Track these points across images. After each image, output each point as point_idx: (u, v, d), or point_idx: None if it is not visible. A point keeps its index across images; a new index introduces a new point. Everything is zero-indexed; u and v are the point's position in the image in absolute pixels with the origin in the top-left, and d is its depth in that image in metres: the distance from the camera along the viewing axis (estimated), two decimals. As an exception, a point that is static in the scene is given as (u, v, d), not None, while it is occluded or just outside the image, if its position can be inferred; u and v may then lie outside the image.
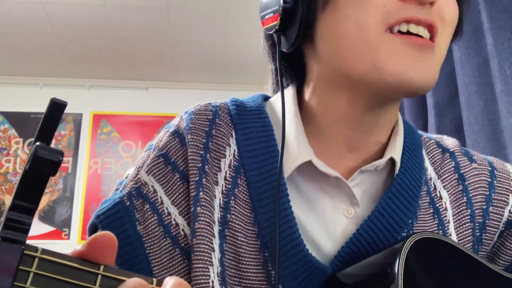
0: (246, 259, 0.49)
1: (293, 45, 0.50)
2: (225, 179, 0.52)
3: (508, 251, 0.57)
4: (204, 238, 0.49)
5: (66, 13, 2.72)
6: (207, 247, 0.48)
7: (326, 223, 0.52)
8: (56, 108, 0.29)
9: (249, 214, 0.51)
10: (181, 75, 3.60)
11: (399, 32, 0.45)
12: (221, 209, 0.51)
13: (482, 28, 1.12)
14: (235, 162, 0.53)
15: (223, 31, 2.93)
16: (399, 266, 0.41)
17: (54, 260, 0.28)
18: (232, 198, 0.51)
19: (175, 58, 3.32)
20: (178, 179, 0.52)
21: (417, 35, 0.45)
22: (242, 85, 3.73)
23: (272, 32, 0.51)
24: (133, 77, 3.59)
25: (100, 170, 3.48)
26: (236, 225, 0.50)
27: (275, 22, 0.50)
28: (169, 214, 0.51)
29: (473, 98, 1.17)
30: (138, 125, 3.60)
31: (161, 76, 3.62)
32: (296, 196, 0.52)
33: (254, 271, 0.49)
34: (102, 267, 0.29)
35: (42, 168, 0.27)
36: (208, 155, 0.53)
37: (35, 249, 0.27)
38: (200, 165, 0.52)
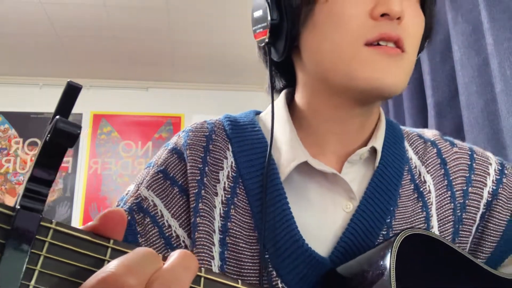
0: (248, 264, 0.52)
1: (282, 56, 0.55)
2: (224, 189, 0.55)
3: (492, 231, 0.59)
4: (203, 247, 0.52)
5: (66, 13, 2.72)
6: (206, 255, 0.51)
7: (326, 220, 0.55)
8: (72, 90, 0.32)
9: (248, 221, 0.54)
10: (181, 75, 3.60)
11: (371, 45, 0.50)
12: (221, 218, 0.54)
13: (482, 28, 1.12)
14: (233, 173, 0.56)
15: (223, 31, 2.93)
16: (391, 260, 0.43)
17: (67, 232, 0.29)
18: (232, 207, 0.54)
19: (175, 58, 3.32)
20: (177, 193, 0.56)
21: (386, 46, 0.50)
22: (242, 85, 3.73)
23: (263, 44, 0.57)
24: (133, 77, 3.59)
25: (100, 170, 3.48)
26: (237, 232, 0.53)
27: (265, 36, 0.55)
28: (169, 226, 0.54)
29: (473, 98, 1.17)
30: (138, 125, 3.60)
31: (161, 76, 3.61)
32: (295, 197, 0.55)
33: (255, 274, 0.52)
34: (111, 241, 0.30)
35: (61, 140, 0.28)
36: (206, 168, 0.56)
37: (50, 221, 0.29)
38: (199, 178, 0.55)
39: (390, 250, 0.44)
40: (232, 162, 0.57)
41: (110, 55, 3.23)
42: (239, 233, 0.53)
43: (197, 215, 0.53)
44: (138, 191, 0.57)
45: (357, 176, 0.58)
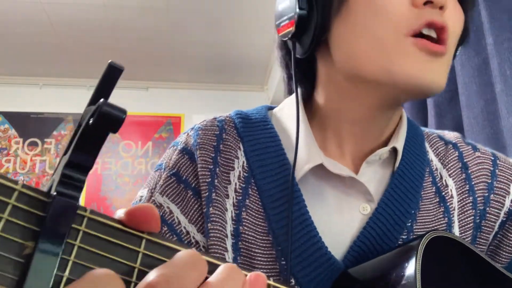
0: (262, 270, 0.49)
1: (308, 51, 0.51)
2: (235, 191, 0.53)
3: (510, 242, 0.57)
4: (216, 254, 0.49)
5: (66, 13, 2.72)
6: None
7: (343, 221, 0.52)
8: (113, 71, 0.30)
9: (262, 224, 0.51)
10: (181, 75, 3.60)
11: (414, 36, 0.46)
12: (233, 222, 0.51)
13: (482, 28, 1.12)
14: (244, 173, 0.53)
15: (223, 31, 2.93)
16: (416, 265, 0.41)
17: (101, 220, 0.27)
18: (244, 209, 0.52)
19: (175, 58, 3.32)
20: (192, 196, 0.53)
21: (428, 36, 0.46)
22: (243, 85, 3.73)
23: (287, 38, 0.52)
24: (133, 77, 3.59)
25: (100, 170, 3.48)
26: (249, 237, 0.50)
27: (290, 29, 0.51)
28: (187, 233, 0.52)
29: (473, 98, 1.17)
30: (138, 125, 3.60)
31: (161, 76, 3.61)
32: (310, 199, 0.52)
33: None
34: (146, 232, 0.28)
35: (105, 125, 0.26)
36: (217, 169, 0.53)
37: (84, 209, 0.27)
38: (210, 180, 0.52)
39: (415, 252, 0.42)
40: (243, 162, 0.54)
41: (110, 55, 3.23)
42: (252, 238, 0.50)
43: (208, 220, 0.51)
44: (153, 197, 0.54)
45: (374, 177, 0.55)
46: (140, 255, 0.28)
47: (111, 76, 0.30)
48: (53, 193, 0.26)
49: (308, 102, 0.59)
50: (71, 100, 3.57)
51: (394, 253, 0.46)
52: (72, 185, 0.26)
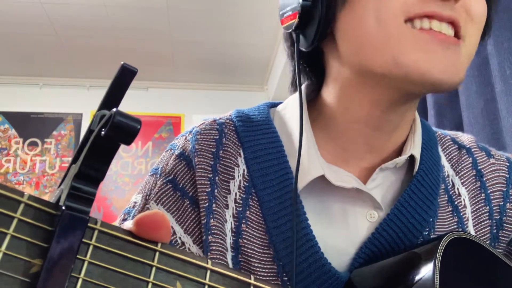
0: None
1: (312, 44, 0.48)
2: (235, 201, 0.50)
3: None
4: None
5: (66, 13, 2.72)
6: None
7: (348, 231, 0.50)
8: (126, 73, 0.28)
9: (263, 237, 0.48)
10: (181, 75, 3.60)
11: (422, 29, 0.43)
12: (233, 234, 0.49)
13: (482, 28, 1.12)
14: (245, 183, 0.51)
15: (223, 31, 2.93)
16: (435, 268, 0.39)
17: (113, 233, 0.26)
18: (244, 221, 0.49)
19: (175, 58, 3.32)
20: (189, 205, 0.50)
21: (440, 32, 0.43)
22: (243, 85, 3.73)
23: (290, 30, 0.49)
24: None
25: (100, 170, 3.47)
26: (249, 250, 0.48)
27: (294, 20, 0.48)
28: (183, 244, 0.49)
29: (473, 98, 1.17)
30: (138, 125, 3.59)
31: (161, 76, 3.61)
32: (313, 210, 0.50)
33: None
34: (159, 244, 0.27)
35: (119, 136, 0.25)
36: (217, 178, 0.51)
37: (95, 221, 0.25)
38: (209, 189, 0.50)
39: (434, 255, 0.40)
40: (244, 170, 0.51)
41: (110, 55, 3.23)
42: (251, 251, 0.48)
43: (209, 232, 0.48)
44: (147, 205, 0.51)
45: (384, 182, 0.52)
46: (153, 269, 0.26)
47: (123, 79, 0.28)
48: (62, 205, 0.24)
49: (312, 100, 0.56)
50: (71, 100, 3.57)
51: (406, 256, 0.44)
52: (82, 198, 0.25)
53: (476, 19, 0.45)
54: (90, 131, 0.27)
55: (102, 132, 0.24)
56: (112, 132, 0.24)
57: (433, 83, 0.43)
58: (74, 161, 0.27)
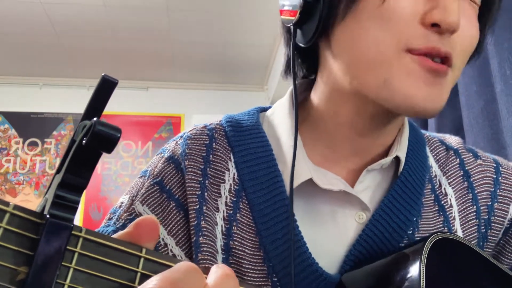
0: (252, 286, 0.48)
1: (310, 41, 0.48)
2: (226, 204, 0.51)
3: None
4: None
5: (66, 13, 2.72)
6: None
7: (338, 232, 0.51)
8: (107, 85, 0.29)
9: (253, 239, 0.49)
10: (181, 75, 3.60)
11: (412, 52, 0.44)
12: (223, 237, 0.50)
13: (482, 28, 1.12)
14: (235, 186, 0.52)
15: (223, 31, 2.93)
16: (420, 269, 0.40)
17: (97, 241, 0.27)
18: (234, 224, 0.50)
19: (175, 58, 3.32)
20: (174, 208, 0.51)
21: (432, 59, 0.44)
22: (242, 85, 3.73)
23: (289, 25, 0.49)
24: (133, 77, 3.59)
25: (100, 170, 3.48)
26: (240, 252, 0.49)
27: (293, 17, 0.48)
28: (165, 245, 0.50)
29: (473, 98, 1.17)
30: (138, 125, 3.60)
31: (161, 76, 3.62)
32: (303, 212, 0.51)
33: None
34: (144, 250, 0.28)
35: (99, 145, 0.25)
36: (207, 182, 0.51)
37: (80, 229, 0.26)
38: (200, 192, 0.51)
39: (419, 256, 0.41)
40: (234, 174, 0.52)
41: (110, 55, 3.23)
42: (242, 253, 0.49)
43: (200, 234, 0.48)
44: (132, 205, 0.52)
45: (371, 184, 0.53)
46: (138, 275, 0.27)
47: (104, 90, 0.29)
48: (46, 214, 0.25)
49: (302, 102, 0.56)
50: (71, 100, 3.57)
51: (394, 258, 0.45)
52: (66, 206, 0.26)
53: (469, 48, 0.46)
54: (73, 141, 0.28)
55: (83, 142, 0.25)
56: (93, 141, 0.25)
57: (415, 111, 0.43)
58: (58, 171, 0.28)
